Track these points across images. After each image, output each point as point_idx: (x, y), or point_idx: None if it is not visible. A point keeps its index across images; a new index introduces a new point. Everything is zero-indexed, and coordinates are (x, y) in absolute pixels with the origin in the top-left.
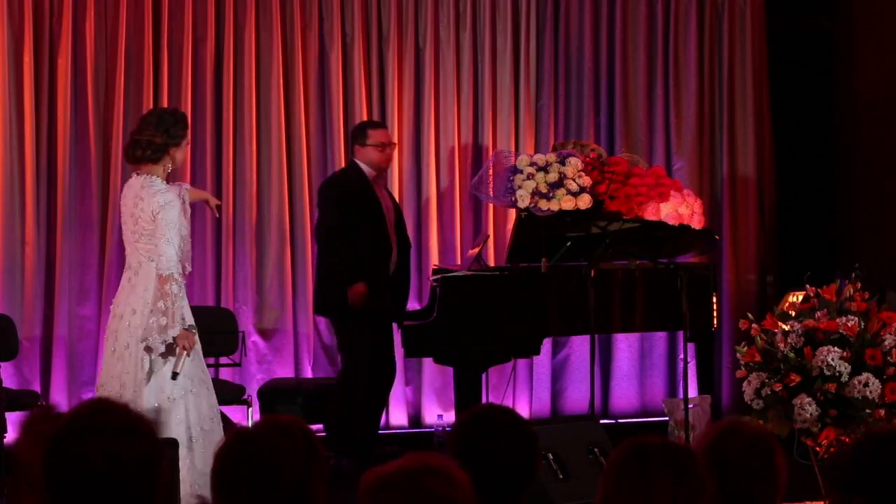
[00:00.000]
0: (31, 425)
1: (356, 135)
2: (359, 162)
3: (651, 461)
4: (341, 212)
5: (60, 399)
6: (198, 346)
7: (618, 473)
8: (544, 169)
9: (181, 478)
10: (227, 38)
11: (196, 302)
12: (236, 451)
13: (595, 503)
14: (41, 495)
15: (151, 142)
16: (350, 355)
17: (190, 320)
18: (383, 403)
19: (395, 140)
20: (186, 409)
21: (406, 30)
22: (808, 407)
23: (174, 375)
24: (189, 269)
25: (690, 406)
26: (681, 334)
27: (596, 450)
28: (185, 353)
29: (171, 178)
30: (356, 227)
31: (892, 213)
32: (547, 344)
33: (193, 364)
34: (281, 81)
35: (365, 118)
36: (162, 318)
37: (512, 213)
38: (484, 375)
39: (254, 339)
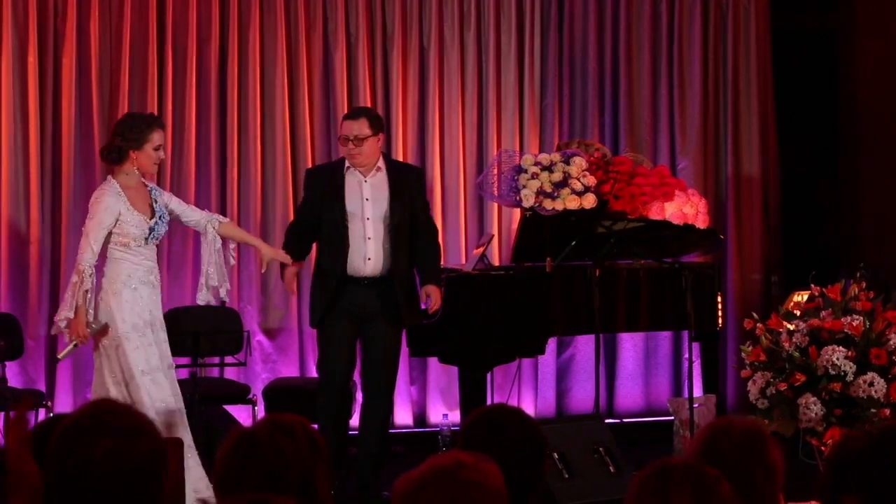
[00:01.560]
0: (14, 426)
1: None
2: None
3: (671, 482)
4: (303, 200)
5: (65, 399)
6: (130, 344)
7: (639, 493)
8: (549, 168)
9: None
10: (232, 37)
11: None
12: (240, 451)
13: None
14: (30, 496)
15: (111, 144)
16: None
17: (123, 319)
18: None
19: (401, 138)
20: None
21: (410, 29)
22: (813, 406)
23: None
24: (223, 294)
25: (695, 405)
26: (686, 334)
27: (601, 449)
28: (75, 342)
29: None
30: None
31: None
32: (552, 343)
33: (122, 360)
34: (285, 81)
35: None
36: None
37: (516, 213)
38: (489, 375)
39: (259, 338)
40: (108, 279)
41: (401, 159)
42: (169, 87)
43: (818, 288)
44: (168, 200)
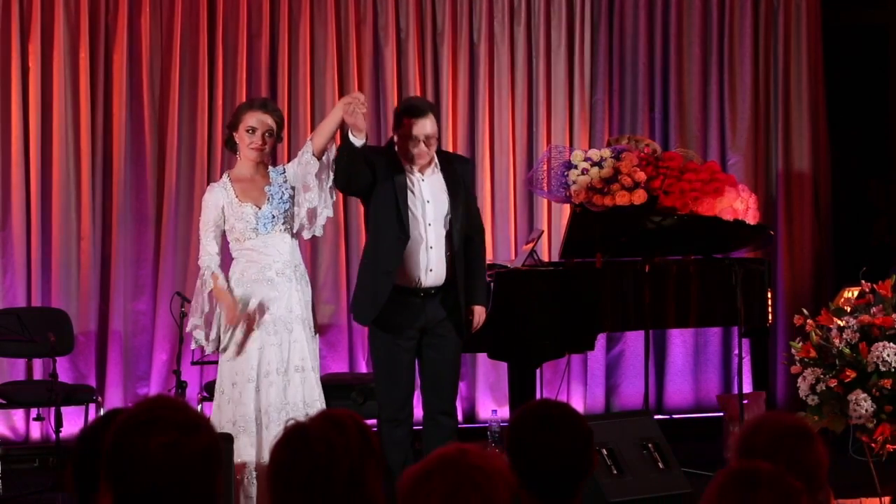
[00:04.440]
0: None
1: None
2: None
3: (759, 490)
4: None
5: (115, 394)
6: (238, 348)
7: (721, 494)
8: (599, 164)
9: None
10: (282, 33)
11: None
12: (292, 445)
13: None
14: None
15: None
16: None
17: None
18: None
19: (451, 134)
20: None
21: (460, 25)
22: (863, 403)
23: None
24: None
25: (745, 402)
26: (735, 330)
27: (650, 445)
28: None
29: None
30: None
31: None
32: (601, 339)
33: (231, 366)
34: (336, 76)
35: None
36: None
37: (566, 209)
38: (538, 370)
39: None
40: (228, 279)
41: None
42: (219, 82)
43: (869, 284)
44: (286, 177)
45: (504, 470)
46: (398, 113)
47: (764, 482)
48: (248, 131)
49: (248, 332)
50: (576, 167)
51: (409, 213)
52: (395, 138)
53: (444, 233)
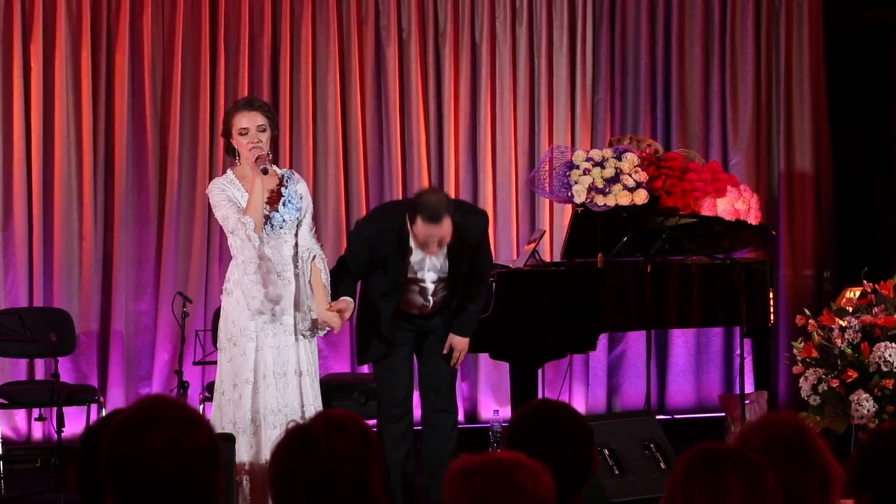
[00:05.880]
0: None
1: None
2: None
3: (724, 469)
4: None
5: (117, 394)
6: (238, 350)
7: (685, 478)
8: (601, 164)
9: None
10: (284, 33)
11: None
12: (293, 449)
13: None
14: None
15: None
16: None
17: (234, 322)
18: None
19: (452, 134)
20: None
21: (462, 25)
22: (865, 403)
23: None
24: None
25: (747, 402)
26: (737, 330)
27: (652, 445)
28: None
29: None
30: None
31: None
32: (603, 339)
33: (230, 367)
34: (337, 77)
35: (422, 114)
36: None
37: (568, 209)
38: (540, 371)
39: None
40: (227, 278)
41: (452, 157)
42: (221, 82)
43: (871, 284)
44: (304, 191)
45: (548, 498)
46: (413, 211)
47: (728, 461)
48: (241, 133)
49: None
50: (577, 167)
51: (410, 272)
52: (409, 228)
53: (444, 280)
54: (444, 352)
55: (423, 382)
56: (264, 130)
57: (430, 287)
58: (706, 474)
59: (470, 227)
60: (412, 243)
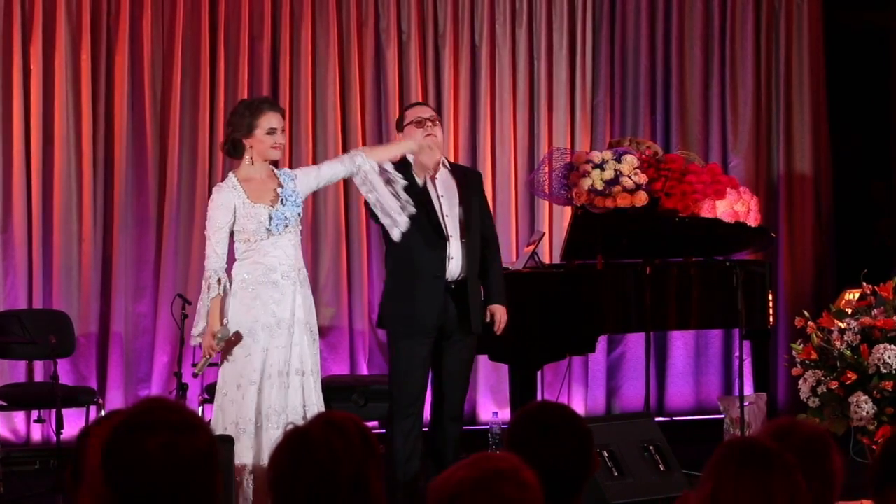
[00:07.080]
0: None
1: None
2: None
3: (773, 466)
4: None
5: (116, 396)
6: (242, 351)
7: (738, 468)
8: (600, 166)
9: None
10: (284, 35)
11: None
12: (293, 451)
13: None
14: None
15: (226, 137)
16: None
17: (238, 324)
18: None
19: (452, 136)
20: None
21: (462, 27)
22: (864, 405)
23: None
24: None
25: (746, 404)
26: (736, 332)
27: (651, 447)
28: (205, 356)
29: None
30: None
31: None
32: (602, 341)
33: (233, 368)
34: (337, 78)
35: None
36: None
37: (568, 211)
38: (539, 373)
39: None
40: (232, 280)
41: (452, 157)
42: (221, 84)
43: (870, 286)
44: (296, 183)
45: (538, 499)
46: (400, 120)
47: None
48: (269, 133)
49: (238, 340)
50: (577, 169)
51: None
52: (403, 135)
53: (458, 227)
54: (487, 320)
55: (437, 389)
56: (284, 131)
57: (452, 233)
58: (758, 469)
59: (470, 172)
60: (415, 172)
